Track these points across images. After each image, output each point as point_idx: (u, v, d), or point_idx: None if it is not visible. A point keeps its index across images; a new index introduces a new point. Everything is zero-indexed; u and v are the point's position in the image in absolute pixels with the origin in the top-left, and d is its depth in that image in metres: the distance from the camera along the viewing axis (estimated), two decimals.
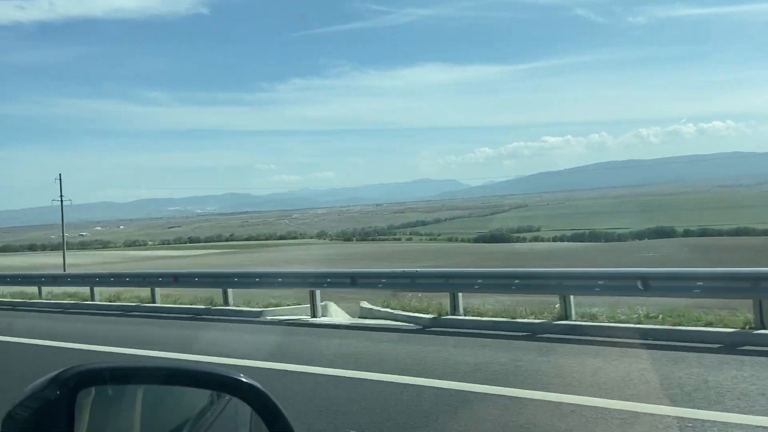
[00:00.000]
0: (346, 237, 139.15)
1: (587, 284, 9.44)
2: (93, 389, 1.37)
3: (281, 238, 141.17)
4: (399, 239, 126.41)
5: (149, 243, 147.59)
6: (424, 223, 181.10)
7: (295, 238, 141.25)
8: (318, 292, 11.61)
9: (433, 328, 9.82)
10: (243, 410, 1.51)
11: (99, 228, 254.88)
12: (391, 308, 11.29)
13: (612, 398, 5.55)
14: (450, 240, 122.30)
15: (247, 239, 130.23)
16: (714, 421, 4.89)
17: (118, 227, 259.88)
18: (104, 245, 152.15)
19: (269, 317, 11.85)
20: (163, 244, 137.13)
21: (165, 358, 7.65)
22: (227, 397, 1.61)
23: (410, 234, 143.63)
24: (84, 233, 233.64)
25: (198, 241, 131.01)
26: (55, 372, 1.27)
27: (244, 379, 1.45)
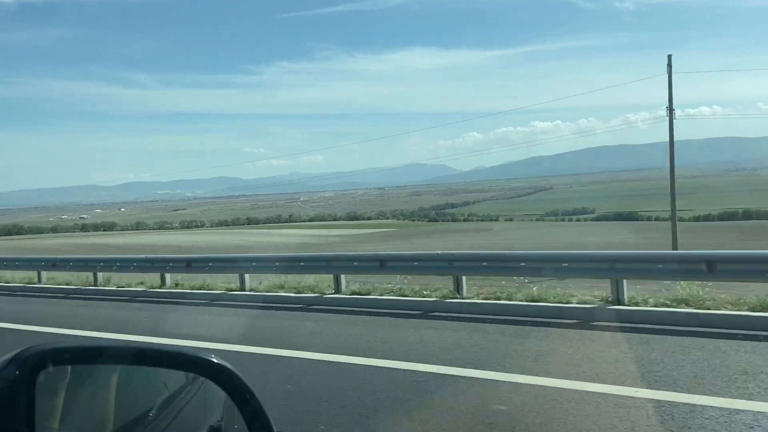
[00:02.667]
0: (409, 218, 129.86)
1: None
2: (68, 370, 1.36)
3: (353, 218, 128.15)
4: (487, 220, 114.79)
5: (206, 224, 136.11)
6: (452, 206, 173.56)
7: (367, 218, 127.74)
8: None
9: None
10: (216, 392, 1.48)
11: (99, 210, 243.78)
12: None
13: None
14: (542, 220, 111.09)
15: (312, 220, 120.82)
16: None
17: (119, 210, 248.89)
18: (136, 227, 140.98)
19: None
20: (222, 225, 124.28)
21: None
22: (202, 378, 1.58)
23: (467, 215, 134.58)
24: (84, 215, 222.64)
25: (257, 222, 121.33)
26: (15, 351, 1.26)
27: (215, 360, 1.43)
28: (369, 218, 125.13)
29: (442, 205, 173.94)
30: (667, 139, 27.99)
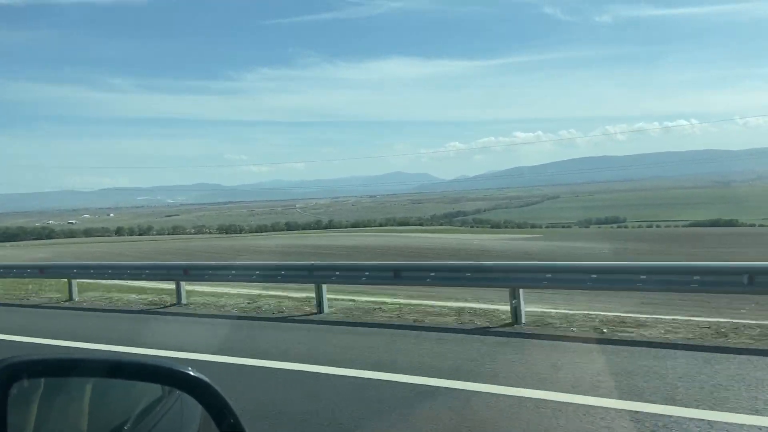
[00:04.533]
0: (438, 223, 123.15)
1: None
2: (42, 382, 1.33)
3: (403, 224, 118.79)
4: (526, 227, 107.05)
5: (245, 228, 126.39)
6: (464, 214, 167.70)
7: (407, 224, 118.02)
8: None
9: None
10: (193, 405, 1.44)
11: (87, 216, 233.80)
12: None
13: None
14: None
15: (353, 225, 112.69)
16: None
17: (108, 215, 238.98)
18: (145, 231, 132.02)
19: None
20: (263, 230, 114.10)
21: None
22: (178, 392, 1.54)
23: (477, 223, 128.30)
24: (73, 221, 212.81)
25: (297, 227, 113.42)
26: None
27: (192, 373, 1.39)
28: (408, 224, 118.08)
29: (455, 213, 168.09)
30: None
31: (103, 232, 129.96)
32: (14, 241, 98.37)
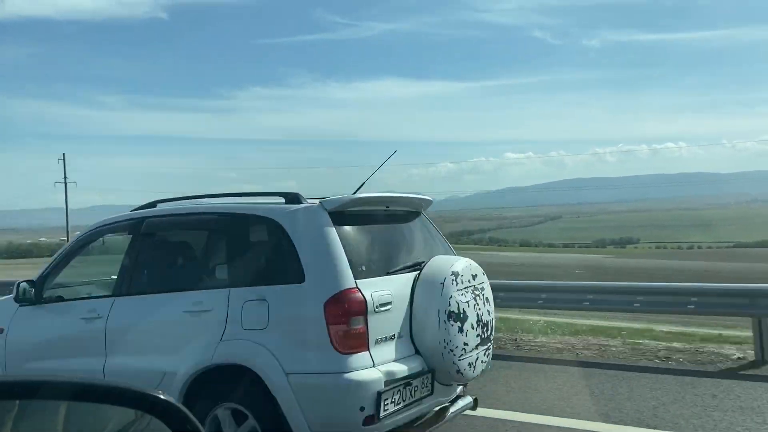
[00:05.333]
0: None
1: None
2: (16, 404, 1.32)
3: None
4: (546, 245, 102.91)
5: None
6: (470, 233, 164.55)
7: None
8: None
9: None
10: (163, 430, 1.41)
11: (79, 233, 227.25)
12: None
13: None
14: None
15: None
16: None
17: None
18: None
19: None
20: None
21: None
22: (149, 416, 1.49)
23: (493, 241, 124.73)
24: (63, 238, 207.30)
25: None
26: None
27: (162, 397, 1.36)
28: None
29: (460, 232, 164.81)
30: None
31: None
32: (29, 258, 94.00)
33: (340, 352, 3.64)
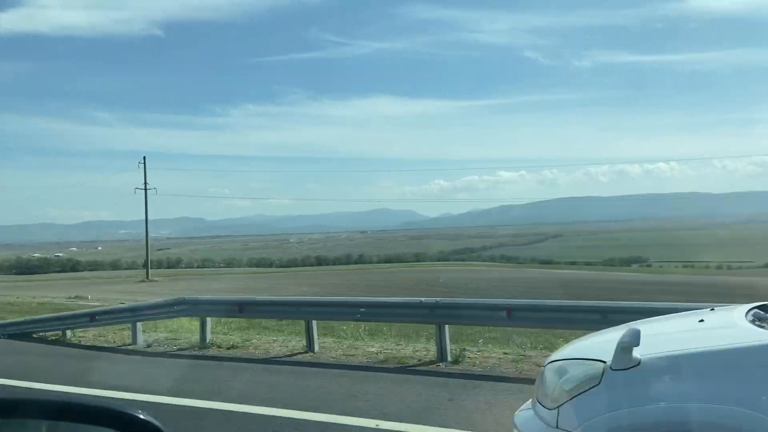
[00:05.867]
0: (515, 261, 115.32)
1: None
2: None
3: (444, 259, 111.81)
4: (559, 262, 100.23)
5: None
6: (472, 251, 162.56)
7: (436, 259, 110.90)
8: None
9: None
10: None
11: (74, 249, 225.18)
12: None
13: None
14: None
15: (417, 260, 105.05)
16: None
17: (97, 248, 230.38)
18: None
19: None
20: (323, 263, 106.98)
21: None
22: None
23: (506, 258, 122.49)
24: (59, 254, 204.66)
25: (327, 262, 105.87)
26: None
27: (141, 416, 1.35)
28: (439, 259, 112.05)
29: (463, 249, 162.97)
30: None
31: (131, 266, 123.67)
32: (38, 273, 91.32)
33: None
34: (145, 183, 61.93)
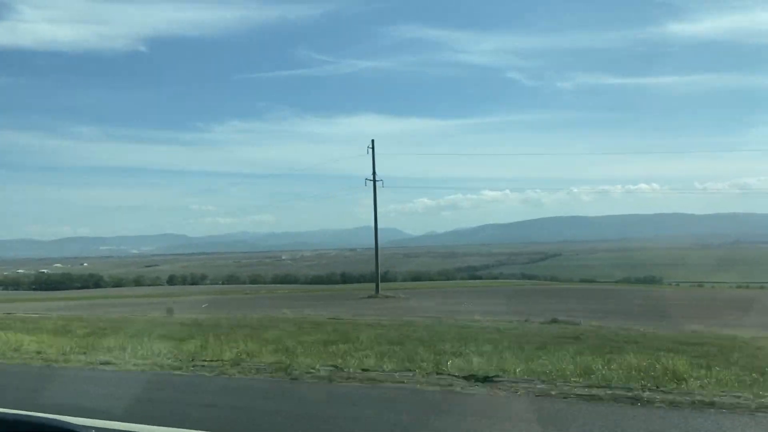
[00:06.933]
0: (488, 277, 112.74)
1: None
2: None
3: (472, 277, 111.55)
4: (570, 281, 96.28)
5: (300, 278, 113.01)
6: (474, 269, 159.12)
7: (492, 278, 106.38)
8: None
9: None
10: None
11: (59, 265, 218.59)
12: None
13: None
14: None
15: (410, 279, 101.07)
16: None
17: (82, 264, 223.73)
18: (198, 280, 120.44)
19: None
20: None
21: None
22: None
23: (526, 276, 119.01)
24: (44, 270, 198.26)
25: (352, 279, 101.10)
26: None
27: None
28: (448, 278, 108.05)
29: (464, 267, 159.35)
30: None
31: (155, 281, 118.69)
32: (62, 290, 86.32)
33: None
34: (374, 173, 48.24)
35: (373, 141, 49.51)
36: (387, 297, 45.31)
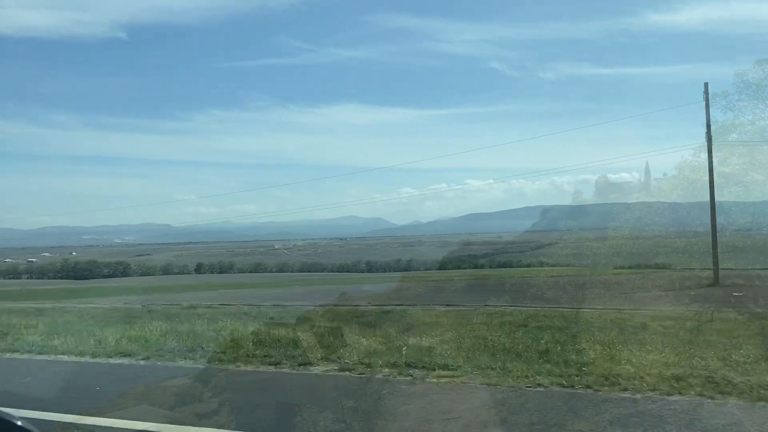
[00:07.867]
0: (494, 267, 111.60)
1: None
2: None
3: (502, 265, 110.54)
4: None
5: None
6: (475, 257, 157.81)
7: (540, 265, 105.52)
8: None
9: None
10: None
11: (47, 254, 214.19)
12: None
13: None
14: None
15: (441, 268, 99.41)
16: None
17: (71, 253, 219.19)
18: (226, 269, 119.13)
19: None
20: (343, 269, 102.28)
21: None
22: None
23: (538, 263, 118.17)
24: (33, 259, 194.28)
25: (376, 269, 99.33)
26: None
27: (18, 423, 1.29)
28: (460, 267, 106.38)
29: (465, 255, 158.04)
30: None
31: (183, 269, 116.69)
32: (91, 279, 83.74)
33: None
34: (708, 126, 31.85)
35: (706, 84, 32.77)
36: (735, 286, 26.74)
